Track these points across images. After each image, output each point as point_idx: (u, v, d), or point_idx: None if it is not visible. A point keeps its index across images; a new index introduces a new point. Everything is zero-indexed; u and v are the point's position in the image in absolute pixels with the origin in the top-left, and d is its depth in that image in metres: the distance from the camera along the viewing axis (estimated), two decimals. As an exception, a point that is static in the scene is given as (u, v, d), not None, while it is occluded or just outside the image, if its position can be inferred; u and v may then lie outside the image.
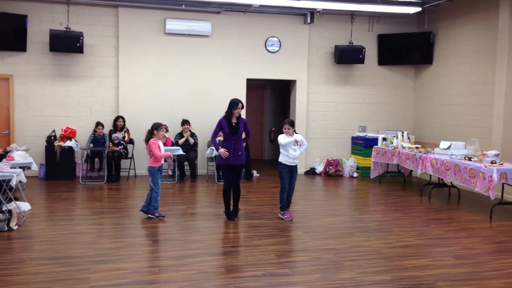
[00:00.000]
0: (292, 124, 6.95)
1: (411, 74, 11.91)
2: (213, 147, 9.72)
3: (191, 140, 10.15)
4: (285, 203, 6.98)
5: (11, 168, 6.71)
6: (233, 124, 6.84)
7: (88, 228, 6.45)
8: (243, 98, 10.85)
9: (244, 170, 9.30)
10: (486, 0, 9.41)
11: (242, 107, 6.86)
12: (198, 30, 10.56)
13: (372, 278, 4.74)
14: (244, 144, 7.07)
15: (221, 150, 6.82)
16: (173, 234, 6.28)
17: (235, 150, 6.82)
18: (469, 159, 7.79)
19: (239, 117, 6.89)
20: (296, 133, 7.03)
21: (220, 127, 6.91)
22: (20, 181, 6.83)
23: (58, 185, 9.26)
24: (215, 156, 9.92)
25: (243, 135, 7.06)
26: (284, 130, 6.91)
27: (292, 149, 6.85)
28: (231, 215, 6.96)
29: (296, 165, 6.98)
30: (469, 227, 6.85)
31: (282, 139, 6.90)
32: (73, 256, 5.20)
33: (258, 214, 7.23)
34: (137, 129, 10.45)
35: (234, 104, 6.81)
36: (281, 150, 6.95)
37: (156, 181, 6.93)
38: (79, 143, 10.06)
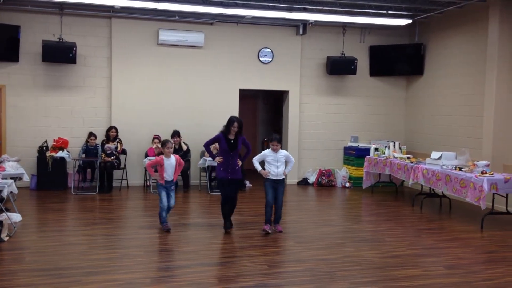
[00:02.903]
0: (280, 140, 6.88)
1: (403, 85, 12.02)
2: (206, 158, 9.82)
3: (184, 146, 10.13)
4: (270, 217, 6.86)
5: (2, 178, 6.69)
6: (231, 141, 6.88)
7: (80, 239, 6.41)
8: (236, 109, 10.92)
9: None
10: (476, 12, 9.54)
11: (240, 127, 6.84)
12: (191, 41, 10.61)
13: (365, 289, 4.76)
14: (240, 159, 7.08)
15: (218, 158, 6.91)
16: (165, 245, 6.27)
17: (232, 166, 6.88)
18: (460, 169, 7.85)
19: (237, 133, 6.92)
20: (281, 149, 6.93)
21: (217, 141, 6.96)
22: (11, 192, 6.80)
23: (49, 196, 9.21)
24: (207, 166, 9.93)
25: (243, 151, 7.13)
26: (272, 146, 6.84)
27: (275, 166, 6.79)
28: (228, 227, 6.96)
29: (282, 179, 6.89)
30: (461, 237, 6.89)
31: (261, 157, 6.89)
32: (65, 267, 5.17)
33: (250, 225, 7.24)
34: (130, 140, 10.45)
35: (231, 122, 6.86)
36: (265, 165, 6.90)
37: (159, 194, 6.89)
38: (71, 154, 10.02)
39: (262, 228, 6.84)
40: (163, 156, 6.88)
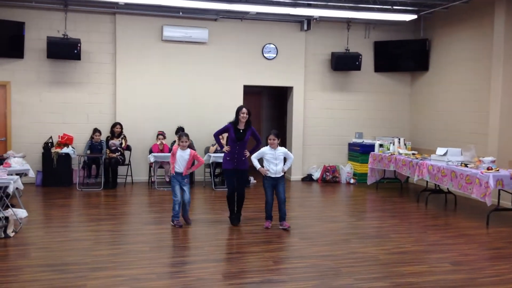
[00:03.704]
0: (278, 135, 6.81)
1: (407, 81, 11.97)
2: (210, 154, 9.84)
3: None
4: (270, 213, 6.86)
5: (8, 175, 6.70)
6: (240, 131, 6.94)
7: (85, 235, 6.43)
8: (240, 105, 10.87)
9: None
10: (481, 7, 9.48)
11: (249, 114, 6.93)
12: (195, 37, 10.59)
13: (370, 285, 4.74)
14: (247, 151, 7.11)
15: (226, 147, 7.01)
16: (170, 241, 6.27)
17: (239, 155, 6.94)
18: (466, 165, 7.82)
19: (247, 124, 6.95)
20: (279, 146, 6.87)
21: (226, 130, 7.10)
22: (17, 188, 6.82)
23: (55, 192, 9.24)
24: (212, 163, 9.93)
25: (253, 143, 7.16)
26: (268, 141, 6.79)
27: (274, 163, 6.74)
28: (235, 220, 7.02)
29: (281, 176, 6.81)
30: (466, 233, 6.86)
31: (259, 154, 6.84)
32: (70, 263, 5.19)
33: (255, 221, 7.23)
34: (134, 136, 10.46)
35: (238, 109, 6.97)
36: (264, 162, 6.85)
37: (172, 188, 6.94)
38: (76, 150, 10.05)
39: (264, 225, 6.90)
40: (178, 147, 6.95)
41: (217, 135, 7.32)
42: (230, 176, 7.01)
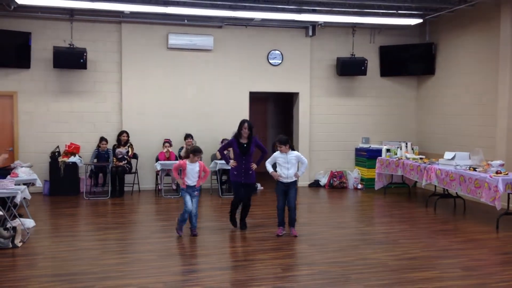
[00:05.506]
0: (284, 141, 6.70)
1: (414, 85, 11.92)
2: (217, 161, 9.82)
3: None
4: (282, 219, 6.82)
5: (15, 185, 6.71)
6: (244, 145, 6.93)
7: (92, 244, 6.42)
8: (246, 112, 10.90)
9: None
10: (487, 10, 9.44)
11: (250, 128, 6.91)
12: (201, 44, 10.61)
13: (380, 291, 4.70)
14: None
15: (232, 162, 7.03)
16: (178, 249, 6.25)
17: (246, 170, 6.94)
18: (474, 169, 7.75)
19: (250, 137, 6.94)
20: (293, 150, 6.85)
21: (230, 145, 7.10)
22: (24, 198, 6.83)
23: (62, 201, 9.25)
24: (218, 170, 9.91)
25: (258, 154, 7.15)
26: (277, 148, 6.77)
27: (285, 167, 6.70)
28: (235, 223, 7.05)
29: (294, 181, 6.76)
30: (476, 238, 6.79)
31: (272, 159, 6.82)
32: (78, 272, 5.18)
33: (263, 228, 7.20)
34: (141, 144, 10.47)
35: (241, 124, 6.96)
36: (277, 167, 6.81)
37: (183, 198, 6.80)
38: (83, 159, 10.07)
39: (275, 231, 6.84)
40: (186, 161, 6.83)
41: (221, 151, 7.36)
42: (238, 187, 7.02)
